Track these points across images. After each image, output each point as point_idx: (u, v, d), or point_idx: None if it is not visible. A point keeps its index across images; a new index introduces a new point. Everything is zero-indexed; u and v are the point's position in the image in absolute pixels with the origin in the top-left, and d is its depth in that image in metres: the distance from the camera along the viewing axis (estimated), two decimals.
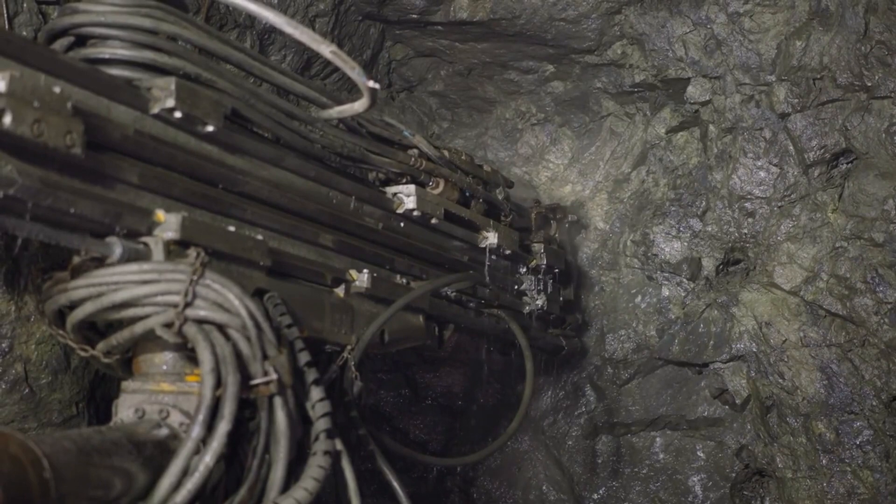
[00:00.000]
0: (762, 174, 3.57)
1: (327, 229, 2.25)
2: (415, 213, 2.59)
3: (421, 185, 2.67)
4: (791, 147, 3.51)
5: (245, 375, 1.63)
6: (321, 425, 1.80)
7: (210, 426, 1.55)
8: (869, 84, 3.32)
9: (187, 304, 1.61)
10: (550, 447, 3.94)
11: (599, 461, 3.89)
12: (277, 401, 1.69)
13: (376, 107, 2.08)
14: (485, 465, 4.00)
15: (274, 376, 1.66)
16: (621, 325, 3.86)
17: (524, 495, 3.93)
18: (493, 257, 3.06)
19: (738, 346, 3.62)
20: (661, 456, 3.81)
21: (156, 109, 1.72)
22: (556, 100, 4.03)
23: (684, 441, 3.78)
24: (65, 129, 1.44)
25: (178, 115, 1.73)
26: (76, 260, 1.66)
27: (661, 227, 3.79)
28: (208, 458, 1.53)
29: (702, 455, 3.75)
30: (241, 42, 3.10)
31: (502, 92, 4.10)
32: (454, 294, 2.82)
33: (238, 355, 1.63)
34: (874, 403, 3.34)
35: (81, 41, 1.76)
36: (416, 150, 2.67)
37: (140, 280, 1.61)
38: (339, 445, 1.93)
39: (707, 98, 3.64)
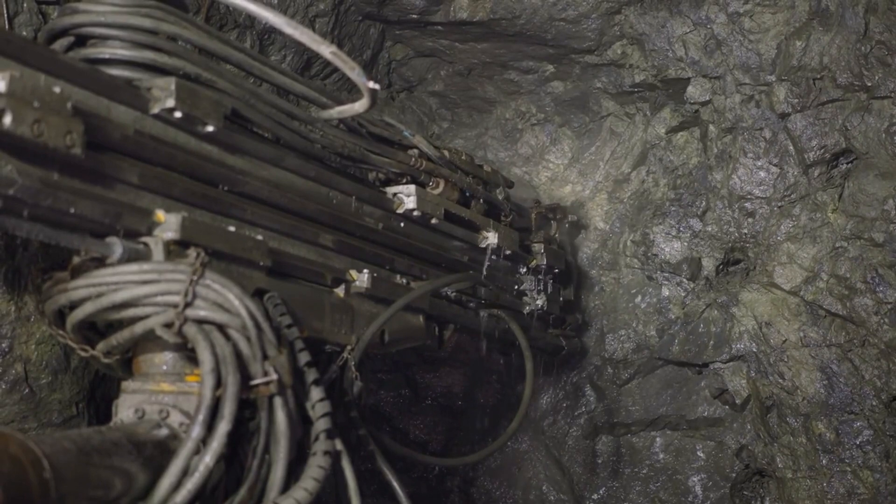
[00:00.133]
0: (762, 174, 3.57)
1: (327, 229, 2.25)
2: (415, 213, 2.59)
3: (421, 185, 2.67)
4: (791, 147, 3.51)
5: (245, 375, 1.63)
6: (321, 425, 1.80)
7: (210, 426, 1.55)
8: (869, 84, 3.32)
9: (187, 305, 1.61)
10: (550, 447, 3.94)
11: (599, 461, 3.89)
12: (277, 401, 1.69)
13: (376, 107, 2.08)
14: (485, 465, 4.00)
15: (274, 376, 1.66)
16: (621, 325, 3.86)
17: (524, 495, 3.93)
18: (493, 257, 3.06)
19: (738, 346, 3.62)
20: (661, 456, 3.81)
21: (156, 109, 1.72)
22: (556, 100, 4.03)
23: (684, 441, 3.78)
24: (65, 129, 1.44)
25: (178, 115, 1.73)
26: (76, 260, 1.66)
27: (661, 227, 3.79)
28: (208, 459, 1.53)
29: (702, 455, 3.75)
30: (241, 42, 3.10)
31: (502, 92, 4.10)
32: (454, 294, 2.82)
33: (238, 355, 1.63)
34: (874, 403, 3.35)
35: (81, 41, 1.76)
36: (416, 150, 2.67)
37: (140, 280, 1.61)
38: (339, 445, 1.93)
39: (707, 98, 3.64)
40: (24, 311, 2.26)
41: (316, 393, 1.83)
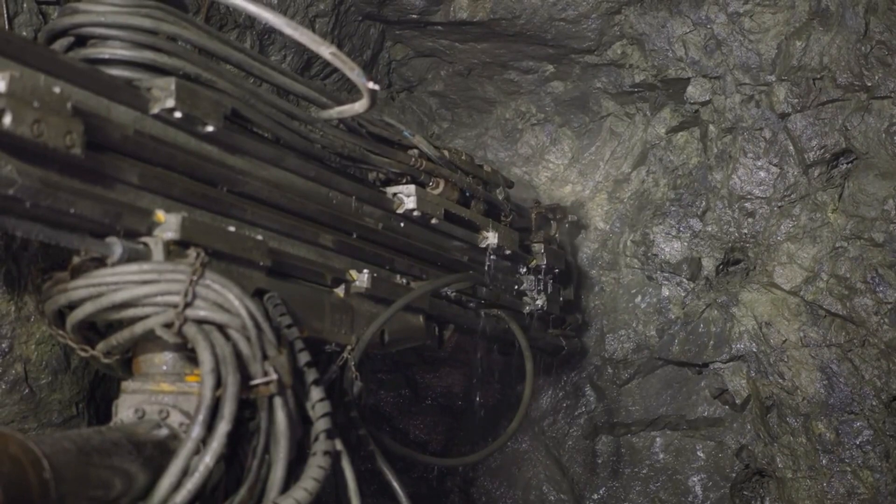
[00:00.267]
0: (762, 174, 3.57)
1: (327, 229, 2.25)
2: (415, 213, 2.59)
3: (421, 185, 2.67)
4: (791, 147, 3.51)
5: (245, 375, 1.63)
6: (321, 425, 1.80)
7: (210, 426, 1.55)
8: (869, 84, 3.32)
9: (187, 305, 1.61)
10: (550, 447, 3.94)
11: (599, 461, 3.89)
12: (277, 401, 1.69)
13: (376, 107, 2.08)
14: (485, 465, 4.00)
15: (274, 376, 1.66)
16: (621, 326, 3.86)
17: (524, 495, 3.93)
18: (493, 257, 3.06)
19: (738, 346, 3.62)
20: (661, 456, 3.81)
21: (156, 109, 1.72)
22: (556, 100, 4.03)
23: (684, 441, 3.78)
24: (65, 130, 1.44)
25: (178, 115, 1.73)
26: (76, 260, 1.66)
27: (661, 227, 3.79)
28: (208, 459, 1.53)
29: (702, 455, 3.75)
30: (241, 42, 3.11)
31: (502, 92, 4.10)
32: (454, 294, 2.82)
33: (238, 355, 1.63)
34: (874, 403, 3.35)
35: (81, 41, 1.76)
36: (416, 151, 2.67)
37: (140, 280, 1.61)
38: (339, 445, 1.93)
39: (707, 98, 3.64)
40: (24, 311, 2.26)
41: (316, 393, 1.83)
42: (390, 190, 2.58)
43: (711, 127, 3.67)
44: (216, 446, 1.54)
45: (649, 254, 3.80)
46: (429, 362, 4.07)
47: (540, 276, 3.37)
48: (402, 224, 2.59)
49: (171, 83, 1.72)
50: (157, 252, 1.67)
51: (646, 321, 3.82)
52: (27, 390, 2.31)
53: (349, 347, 2.23)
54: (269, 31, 3.33)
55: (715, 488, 3.69)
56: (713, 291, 3.71)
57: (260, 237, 1.93)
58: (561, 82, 3.99)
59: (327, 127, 2.25)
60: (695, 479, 3.73)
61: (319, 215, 2.22)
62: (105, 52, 1.74)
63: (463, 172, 2.90)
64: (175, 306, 1.61)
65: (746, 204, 3.60)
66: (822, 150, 3.45)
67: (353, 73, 1.84)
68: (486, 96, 4.14)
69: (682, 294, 3.77)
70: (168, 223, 1.71)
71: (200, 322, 1.62)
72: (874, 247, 3.36)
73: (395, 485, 2.32)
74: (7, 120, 1.34)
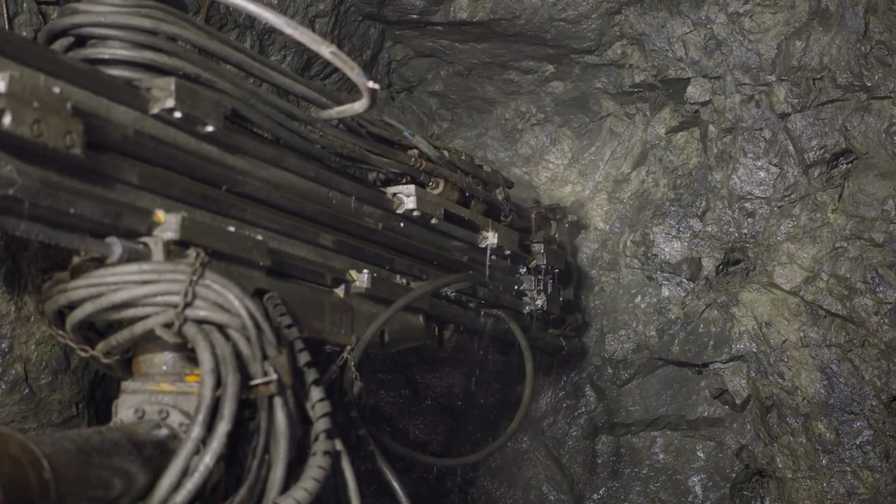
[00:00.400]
0: (762, 174, 3.57)
1: (327, 229, 2.25)
2: (415, 213, 2.59)
3: (421, 185, 2.67)
4: (791, 147, 3.51)
5: (245, 376, 1.63)
6: (321, 425, 1.80)
7: (210, 426, 1.55)
8: (869, 84, 3.32)
9: (187, 305, 1.61)
10: (550, 447, 3.94)
11: (599, 461, 3.89)
12: (277, 401, 1.69)
13: (376, 107, 2.08)
14: (485, 465, 4.00)
15: (274, 376, 1.66)
16: (621, 326, 3.86)
17: (524, 495, 3.93)
18: (493, 257, 3.06)
19: (738, 346, 3.62)
20: (661, 456, 3.81)
21: (156, 109, 1.72)
22: (556, 100, 4.03)
23: (684, 441, 3.78)
24: (64, 130, 1.44)
25: (177, 115, 1.73)
26: (76, 260, 1.66)
27: (661, 228, 3.79)
28: (208, 459, 1.53)
29: (702, 455, 3.75)
30: (241, 42, 3.11)
31: (502, 92, 4.10)
32: (454, 294, 2.82)
33: (238, 355, 1.63)
34: (874, 403, 3.35)
35: (81, 41, 1.76)
36: (416, 151, 2.67)
37: (140, 280, 1.61)
38: (339, 445, 1.93)
39: (707, 98, 3.64)
40: (24, 311, 2.26)
41: (316, 393, 1.83)
42: (390, 190, 2.58)
43: (711, 127, 3.67)
44: (216, 446, 1.54)
45: (649, 254, 3.80)
46: (429, 362, 4.06)
47: (540, 276, 3.37)
48: (401, 224, 2.59)
49: (170, 83, 1.72)
50: (157, 252, 1.67)
51: (646, 321, 3.82)
52: (27, 390, 2.31)
53: (349, 347, 2.23)
54: (269, 31, 3.33)
55: (715, 488, 3.69)
56: (713, 291, 3.71)
57: (260, 237, 1.93)
58: (561, 82, 3.99)
59: (327, 127, 2.25)
60: (695, 479, 3.73)
61: (319, 215, 2.22)
62: (105, 52, 1.74)
63: (463, 172, 2.90)
64: (175, 306, 1.61)
65: (746, 204, 3.60)
66: (822, 150, 3.45)
67: (353, 72, 1.84)
68: (485, 96, 4.14)
69: (682, 294, 3.77)
70: (168, 223, 1.71)
71: (200, 322, 1.62)
72: (874, 247, 3.36)
73: (395, 485, 2.32)
74: (7, 120, 1.34)
